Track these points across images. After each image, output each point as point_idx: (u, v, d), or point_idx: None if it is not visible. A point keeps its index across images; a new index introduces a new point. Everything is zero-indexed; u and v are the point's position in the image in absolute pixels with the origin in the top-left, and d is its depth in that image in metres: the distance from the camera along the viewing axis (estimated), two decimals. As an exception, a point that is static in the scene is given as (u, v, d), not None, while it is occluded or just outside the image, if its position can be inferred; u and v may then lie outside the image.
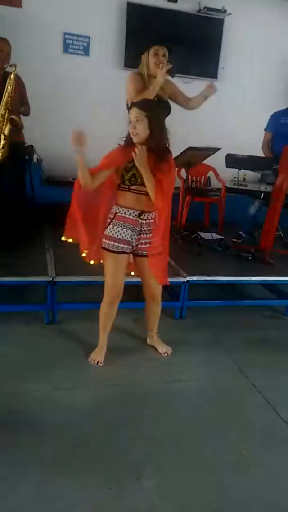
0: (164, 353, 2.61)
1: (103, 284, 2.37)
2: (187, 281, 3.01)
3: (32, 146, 4.35)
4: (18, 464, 1.73)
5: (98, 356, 2.46)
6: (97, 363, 2.43)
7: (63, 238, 2.39)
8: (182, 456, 1.86)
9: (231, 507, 1.65)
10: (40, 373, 2.33)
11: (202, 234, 4.01)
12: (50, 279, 2.77)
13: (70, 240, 2.39)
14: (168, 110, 3.01)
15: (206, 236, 4.05)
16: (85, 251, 2.40)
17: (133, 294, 2.60)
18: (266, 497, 1.71)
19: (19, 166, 3.64)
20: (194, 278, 3.06)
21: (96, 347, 2.49)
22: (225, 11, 4.85)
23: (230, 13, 4.87)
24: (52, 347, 2.60)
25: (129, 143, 2.20)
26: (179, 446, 1.92)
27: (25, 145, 3.85)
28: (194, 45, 4.84)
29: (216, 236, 4.13)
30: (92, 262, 2.46)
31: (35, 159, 4.45)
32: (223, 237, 4.12)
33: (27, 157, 3.92)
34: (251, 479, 1.78)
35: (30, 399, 2.11)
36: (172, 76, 2.92)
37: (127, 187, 2.24)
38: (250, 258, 3.60)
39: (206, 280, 3.14)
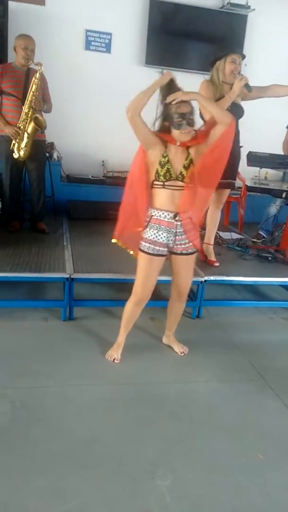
0: (181, 353, 2.60)
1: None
2: (205, 280, 2.98)
3: (52, 143, 4.39)
4: (31, 460, 1.74)
5: (115, 353, 2.46)
6: (113, 360, 2.44)
7: (113, 241, 2.38)
8: (196, 457, 1.85)
9: (245, 510, 1.62)
10: (56, 369, 2.34)
11: (221, 234, 3.97)
12: (68, 275, 2.79)
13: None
14: (242, 113, 3.12)
15: (226, 235, 4.01)
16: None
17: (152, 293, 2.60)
18: (282, 502, 1.68)
19: (40, 163, 3.67)
20: (212, 278, 3.03)
21: (114, 344, 2.49)
22: (249, 7, 4.77)
23: (254, 9, 4.79)
24: (69, 344, 2.61)
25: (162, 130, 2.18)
26: (194, 447, 1.91)
27: (46, 142, 3.88)
28: (217, 42, 4.78)
29: (235, 235, 4.08)
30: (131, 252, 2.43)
31: (55, 157, 4.49)
32: (242, 237, 4.07)
33: (47, 154, 3.96)
34: (266, 482, 1.75)
35: (45, 395, 2.13)
36: (249, 91, 2.98)
37: (161, 183, 2.19)
38: (270, 258, 3.55)
39: (224, 280, 3.11)
